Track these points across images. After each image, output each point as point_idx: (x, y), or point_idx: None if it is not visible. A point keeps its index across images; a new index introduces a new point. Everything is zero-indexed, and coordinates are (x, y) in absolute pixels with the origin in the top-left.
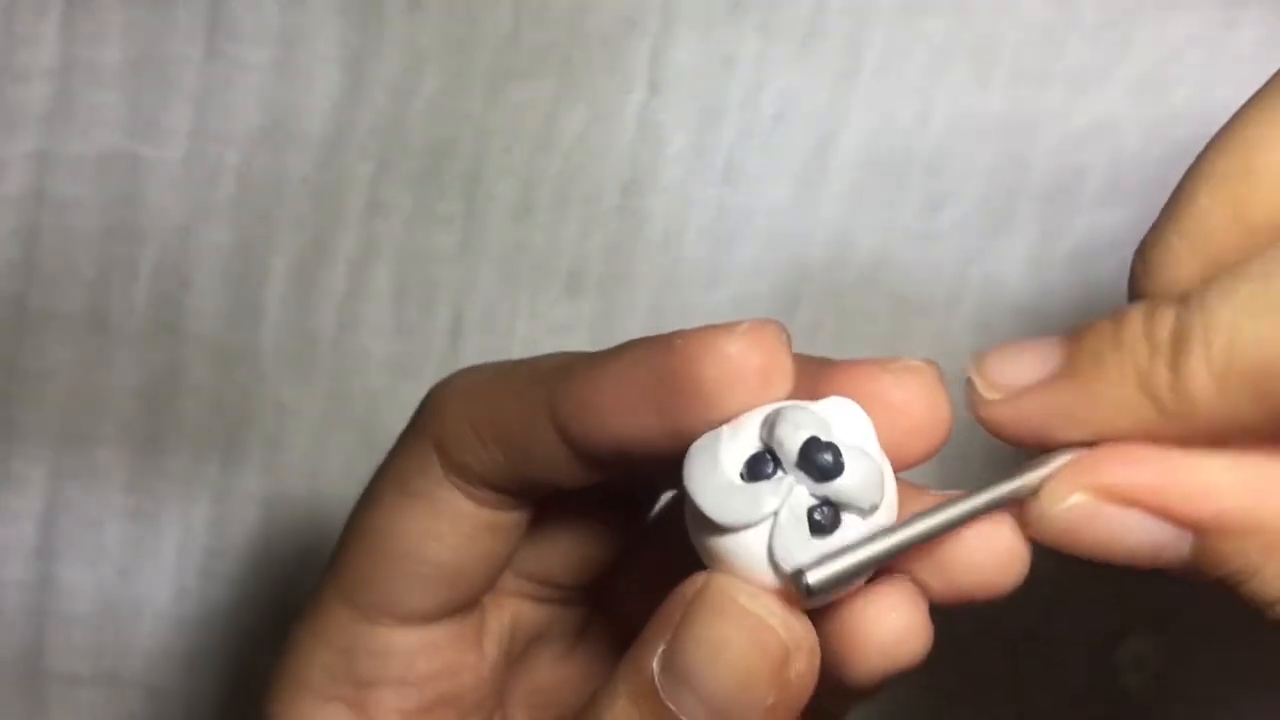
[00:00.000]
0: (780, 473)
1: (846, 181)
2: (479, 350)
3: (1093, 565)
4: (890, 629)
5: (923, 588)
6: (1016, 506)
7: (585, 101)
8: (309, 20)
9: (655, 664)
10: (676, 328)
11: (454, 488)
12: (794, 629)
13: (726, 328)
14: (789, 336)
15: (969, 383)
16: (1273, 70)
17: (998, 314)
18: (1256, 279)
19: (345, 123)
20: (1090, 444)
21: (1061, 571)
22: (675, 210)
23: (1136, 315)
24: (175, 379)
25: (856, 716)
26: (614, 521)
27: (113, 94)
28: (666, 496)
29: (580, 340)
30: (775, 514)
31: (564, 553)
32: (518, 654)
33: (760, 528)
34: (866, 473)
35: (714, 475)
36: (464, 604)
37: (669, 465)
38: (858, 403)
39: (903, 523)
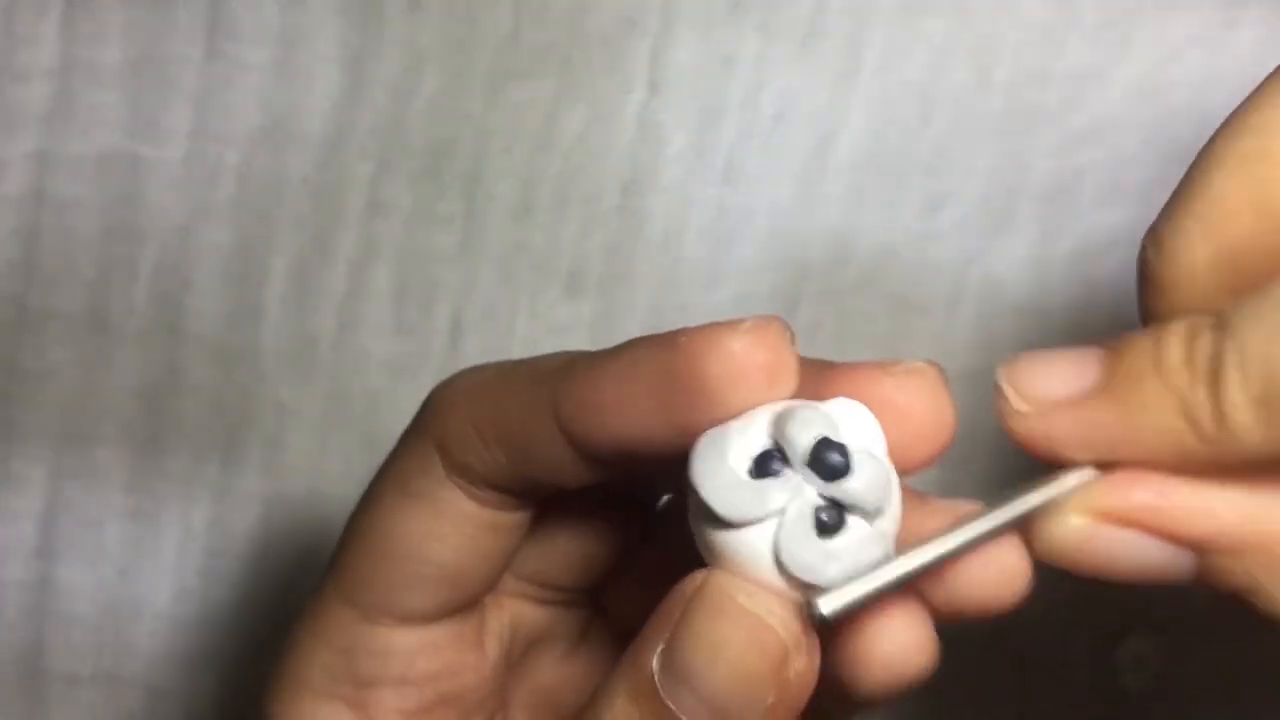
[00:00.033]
0: (788, 471)
1: (846, 181)
2: (479, 350)
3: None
4: (897, 646)
5: (927, 605)
6: (1021, 526)
7: (585, 101)
8: (309, 20)
9: (655, 662)
10: (677, 328)
11: (456, 488)
12: (793, 628)
13: (730, 325)
14: (793, 334)
15: (998, 390)
16: (1273, 70)
17: (998, 314)
18: None
19: (345, 123)
20: (1098, 463)
21: (1062, 573)
22: (675, 210)
23: (1176, 338)
24: (175, 379)
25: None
26: (615, 523)
27: (113, 94)
28: (667, 498)
29: (580, 340)
30: (781, 512)
31: (565, 554)
32: (519, 655)
33: (764, 525)
34: (874, 475)
35: (721, 470)
36: (465, 604)
37: (671, 465)
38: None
39: (915, 549)
